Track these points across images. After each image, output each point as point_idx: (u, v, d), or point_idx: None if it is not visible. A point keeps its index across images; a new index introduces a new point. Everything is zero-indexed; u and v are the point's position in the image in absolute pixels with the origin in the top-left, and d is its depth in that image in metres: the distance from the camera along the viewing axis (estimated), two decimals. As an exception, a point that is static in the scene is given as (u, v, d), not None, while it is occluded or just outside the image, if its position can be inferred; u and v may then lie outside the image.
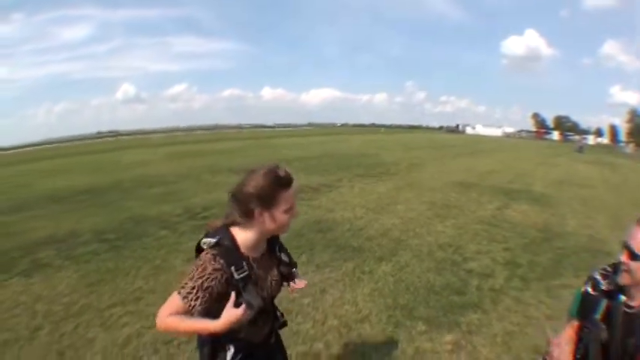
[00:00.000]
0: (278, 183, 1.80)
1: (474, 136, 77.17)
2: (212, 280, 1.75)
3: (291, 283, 2.21)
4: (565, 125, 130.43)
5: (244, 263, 1.83)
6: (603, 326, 1.77)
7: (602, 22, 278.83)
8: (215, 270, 1.76)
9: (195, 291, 1.73)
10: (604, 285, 1.83)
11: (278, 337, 2.28)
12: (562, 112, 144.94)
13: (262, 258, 1.99)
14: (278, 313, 2.22)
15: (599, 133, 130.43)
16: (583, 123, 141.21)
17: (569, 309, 1.95)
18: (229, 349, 1.93)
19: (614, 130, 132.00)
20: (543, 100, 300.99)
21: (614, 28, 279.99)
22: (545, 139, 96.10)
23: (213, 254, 1.78)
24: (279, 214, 1.82)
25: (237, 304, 1.76)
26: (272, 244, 2.09)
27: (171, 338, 4.02)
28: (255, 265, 1.92)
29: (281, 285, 2.13)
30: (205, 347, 1.96)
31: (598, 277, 1.87)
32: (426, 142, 43.49)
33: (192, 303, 1.72)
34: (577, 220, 10.05)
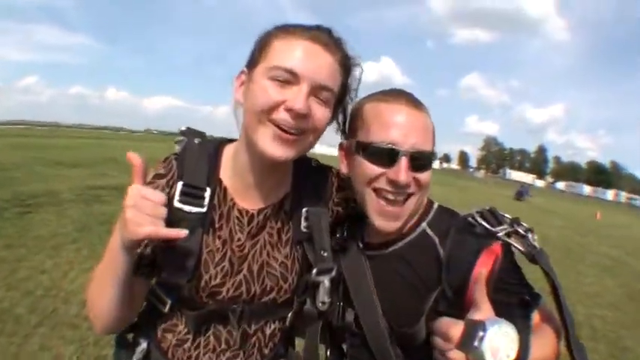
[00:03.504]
0: (274, 28, 1.04)
1: (318, 155, 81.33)
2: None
3: None
4: None
5: (209, 192, 1.06)
6: (339, 300, 1.20)
7: (467, 56, 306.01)
8: (158, 176, 1.06)
9: None
10: (337, 236, 1.24)
11: None
12: None
13: (265, 214, 1.13)
14: (269, 344, 1.19)
15: (446, 158, 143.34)
16: None
17: None
18: (140, 343, 1.15)
19: (464, 157, 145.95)
20: None
21: (480, 63, 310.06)
22: None
23: (169, 155, 1.11)
24: (260, 76, 0.98)
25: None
26: (303, 195, 1.17)
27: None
28: (237, 217, 1.10)
29: (293, 291, 1.16)
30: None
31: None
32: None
33: None
34: None
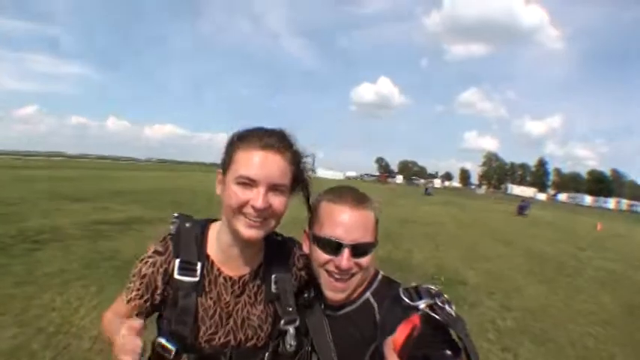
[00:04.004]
0: (237, 137, 1.31)
1: (313, 179, 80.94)
2: (150, 266, 1.32)
3: None
4: (411, 170, 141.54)
5: (200, 266, 1.34)
6: (308, 348, 1.44)
7: (463, 71, 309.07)
8: (156, 253, 1.34)
9: (134, 279, 1.33)
10: (305, 295, 1.51)
11: None
12: (410, 158, 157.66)
13: (244, 280, 1.41)
14: None
15: (448, 176, 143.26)
16: (431, 167, 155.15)
17: None
18: None
19: (465, 174, 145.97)
20: (391, 146, 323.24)
21: (476, 77, 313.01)
22: (389, 182, 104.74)
23: (165, 236, 1.38)
24: (231, 182, 1.25)
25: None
26: (272, 265, 1.46)
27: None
28: (223, 283, 1.38)
29: (269, 337, 1.43)
30: None
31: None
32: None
33: (130, 295, 1.32)
34: (424, 254, 10.90)
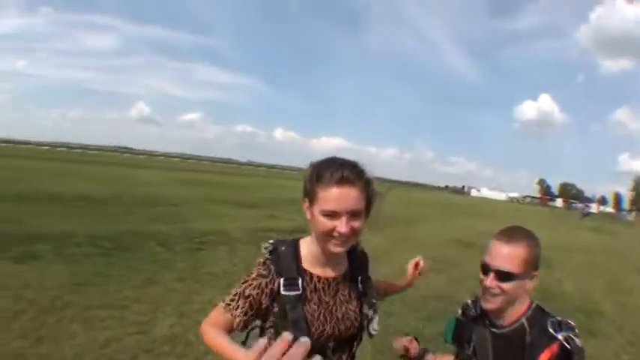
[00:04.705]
0: (315, 175, 1.52)
1: (478, 198, 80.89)
2: (255, 288, 1.54)
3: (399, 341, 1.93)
4: (570, 193, 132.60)
5: (300, 280, 1.56)
6: (470, 353, 1.77)
7: (617, 87, 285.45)
8: (260, 276, 1.56)
9: (236, 298, 1.55)
10: (473, 310, 1.82)
11: None
12: (568, 179, 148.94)
13: (337, 281, 1.65)
14: None
15: (603, 201, 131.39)
16: (588, 191, 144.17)
17: (444, 334, 1.96)
18: None
19: (618, 198, 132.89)
20: (550, 166, 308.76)
21: (628, 94, 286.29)
22: (549, 205, 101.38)
23: (265, 259, 1.59)
24: (317, 214, 1.50)
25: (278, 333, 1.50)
26: (356, 268, 1.74)
27: (152, 347, 4.00)
28: (322, 287, 1.61)
29: (360, 326, 1.69)
30: None
31: (469, 302, 1.87)
32: (429, 201, 44.72)
33: (233, 312, 1.54)
34: (574, 283, 10.13)
